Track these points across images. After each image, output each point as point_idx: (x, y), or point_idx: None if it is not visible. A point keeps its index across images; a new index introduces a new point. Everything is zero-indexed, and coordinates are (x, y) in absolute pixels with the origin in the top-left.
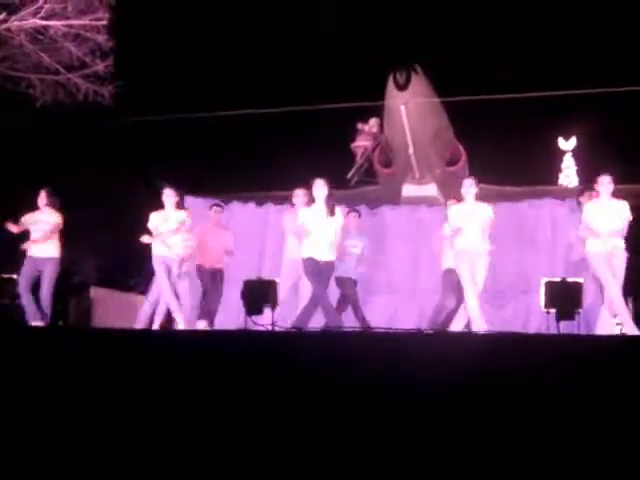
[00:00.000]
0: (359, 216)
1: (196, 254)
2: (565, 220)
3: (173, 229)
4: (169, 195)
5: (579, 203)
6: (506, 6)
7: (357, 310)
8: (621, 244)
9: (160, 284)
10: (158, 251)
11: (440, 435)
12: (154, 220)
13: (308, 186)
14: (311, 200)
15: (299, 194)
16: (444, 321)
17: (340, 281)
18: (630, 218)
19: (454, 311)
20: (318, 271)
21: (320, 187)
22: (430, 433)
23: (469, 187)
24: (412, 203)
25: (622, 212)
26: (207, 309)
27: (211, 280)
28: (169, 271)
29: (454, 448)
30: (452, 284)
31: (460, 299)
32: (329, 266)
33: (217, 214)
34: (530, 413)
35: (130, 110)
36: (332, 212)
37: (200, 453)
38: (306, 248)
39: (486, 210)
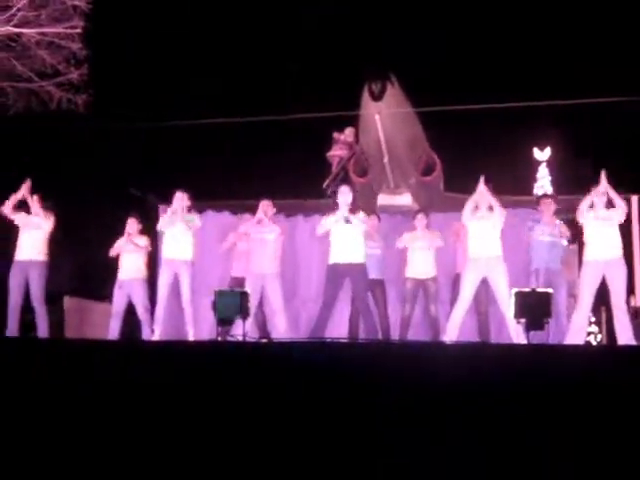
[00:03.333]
0: (378, 219)
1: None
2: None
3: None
4: (180, 198)
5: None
6: (480, 17)
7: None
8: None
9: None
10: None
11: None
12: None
13: (279, 196)
14: (335, 206)
15: (263, 204)
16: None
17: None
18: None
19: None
20: (334, 278)
21: (344, 194)
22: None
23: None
24: (387, 212)
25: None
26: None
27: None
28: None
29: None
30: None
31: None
32: (356, 268)
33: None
34: (500, 423)
35: (104, 118)
36: (349, 220)
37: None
38: (331, 254)
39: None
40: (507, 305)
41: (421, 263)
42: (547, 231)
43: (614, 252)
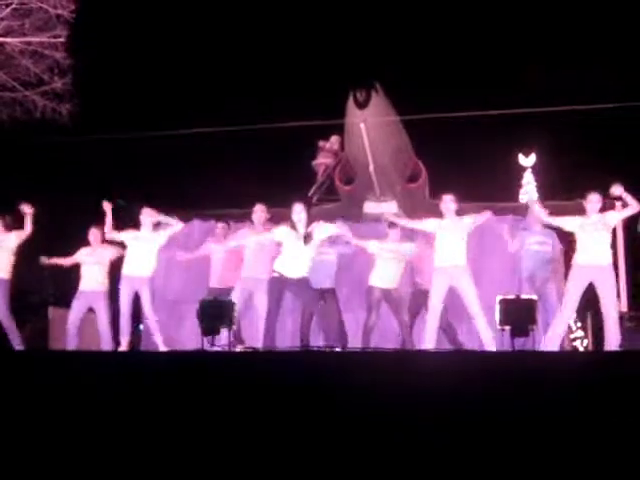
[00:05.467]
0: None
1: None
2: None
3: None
4: (147, 214)
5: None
6: (462, 25)
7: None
8: (609, 260)
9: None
10: (127, 271)
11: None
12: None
13: (268, 204)
14: (292, 225)
15: (257, 210)
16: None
17: (319, 293)
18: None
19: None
20: (279, 289)
21: (298, 212)
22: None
23: (449, 203)
24: (373, 220)
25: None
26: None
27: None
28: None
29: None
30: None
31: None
32: (301, 283)
33: (224, 231)
34: (485, 432)
35: (88, 128)
36: (309, 239)
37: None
38: (278, 264)
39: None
40: (477, 313)
41: (389, 273)
42: (536, 240)
43: (604, 258)
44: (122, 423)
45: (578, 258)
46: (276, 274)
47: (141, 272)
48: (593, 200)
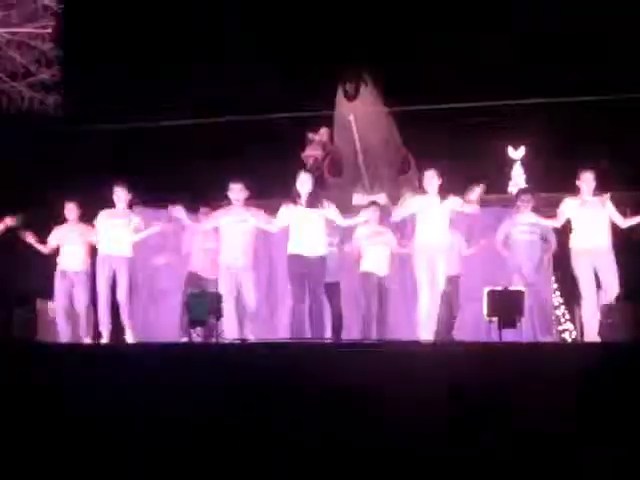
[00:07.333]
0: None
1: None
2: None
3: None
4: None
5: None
6: (454, 17)
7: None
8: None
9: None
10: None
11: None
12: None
13: (252, 196)
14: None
15: (237, 188)
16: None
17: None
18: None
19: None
20: (301, 271)
21: (305, 181)
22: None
23: (431, 178)
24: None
25: (607, 208)
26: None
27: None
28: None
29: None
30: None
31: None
32: (319, 262)
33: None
34: (469, 422)
35: (75, 119)
36: (320, 205)
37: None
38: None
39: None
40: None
41: (379, 258)
42: (526, 230)
43: (602, 240)
44: (105, 418)
45: (575, 241)
46: (295, 254)
47: (120, 251)
48: (588, 178)
